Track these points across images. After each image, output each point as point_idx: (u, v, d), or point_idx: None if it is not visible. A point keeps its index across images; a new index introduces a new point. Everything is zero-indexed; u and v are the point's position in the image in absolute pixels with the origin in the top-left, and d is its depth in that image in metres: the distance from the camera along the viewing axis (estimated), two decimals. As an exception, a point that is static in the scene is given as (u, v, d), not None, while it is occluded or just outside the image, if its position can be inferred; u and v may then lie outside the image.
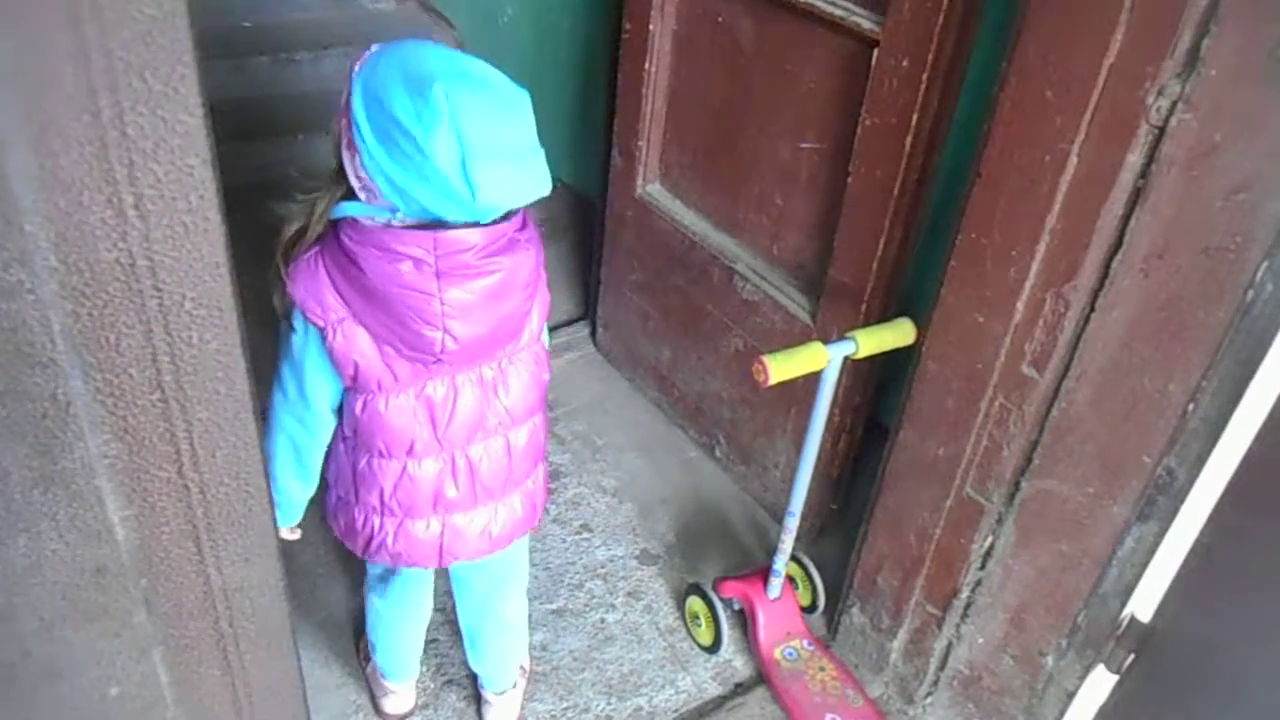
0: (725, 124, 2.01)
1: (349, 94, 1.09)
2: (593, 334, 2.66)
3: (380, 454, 1.27)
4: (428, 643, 1.85)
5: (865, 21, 1.62)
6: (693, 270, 2.18)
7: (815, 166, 1.85)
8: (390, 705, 1.74)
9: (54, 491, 0.64)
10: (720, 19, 1.93)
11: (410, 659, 1.70)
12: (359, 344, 1.17)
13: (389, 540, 1.33)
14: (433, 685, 1.81)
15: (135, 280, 0.62)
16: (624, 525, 2.18)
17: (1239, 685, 1.34)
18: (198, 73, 0.55)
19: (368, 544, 1.35)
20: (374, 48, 1.12)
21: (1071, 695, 1.53)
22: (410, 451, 1.26)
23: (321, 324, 1.16)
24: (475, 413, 1.27)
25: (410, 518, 1.32)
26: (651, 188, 2.27)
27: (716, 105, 2.02)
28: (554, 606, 1.98)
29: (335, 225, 1.15)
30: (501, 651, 1.69)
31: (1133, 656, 1.43)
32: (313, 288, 1.15)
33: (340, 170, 1.14)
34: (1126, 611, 1.42)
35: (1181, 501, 1.30)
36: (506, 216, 1.17)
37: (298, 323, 1.19)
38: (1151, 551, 1.35)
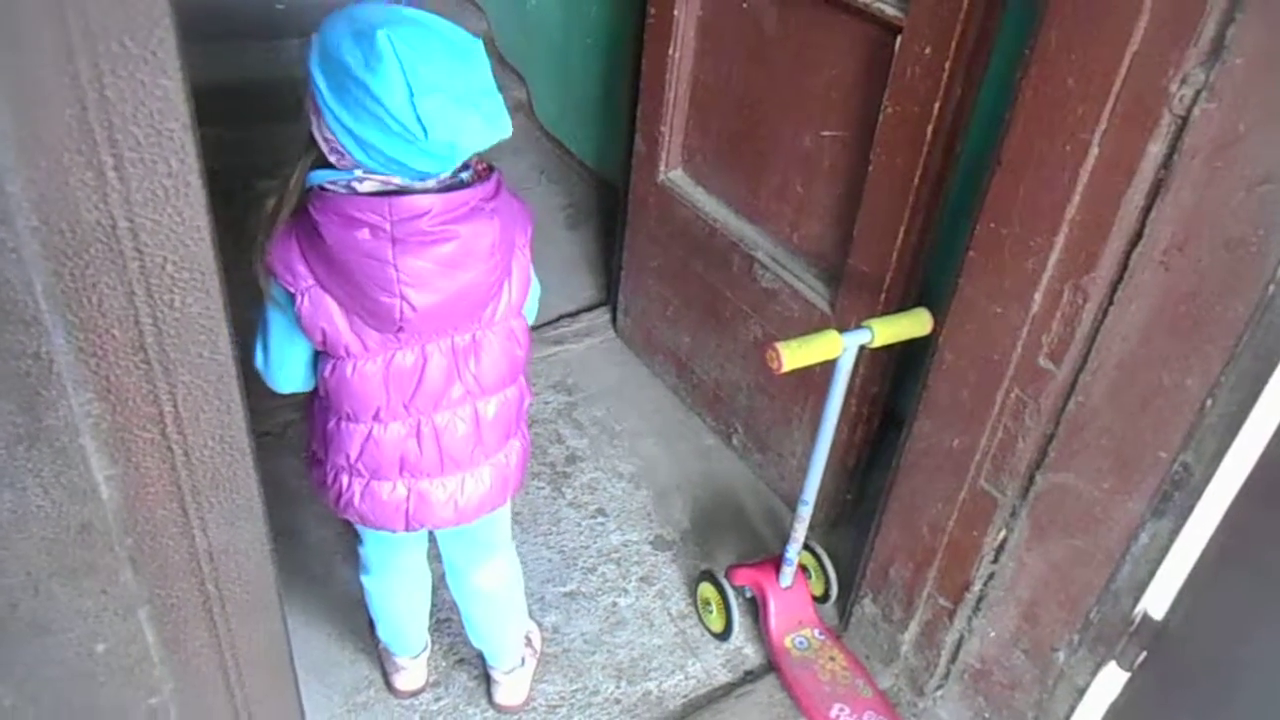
0: (748, 111, 2.01)
1: (308, 59, 1.10)
2: (614, 320, 2.66)
3: (347, 417, 1.29)
4: (440, 621, 1.87)
5: (889, 8, 1.60)
6: (713, 257, 2.18)
7: (837, 155, 1.84)
8: (400, 681, 1.76)
9: (39, 448, 0.65)
10: (745, 5, 1.92)
11: (410, 634, 1.72)
12: (327, 311, 1.19)
13: (355, 499, 1.35)
14: (444, 664, 1.83)
15: (116, 242, 0.63)
16: (639, 511, 2.18)
17: (1252, 685, 1.32)
18: (176, 37, 0.56)
19: (337, 500, 1.37)
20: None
21: (1082, 691, 1.51)
22: (376, 416, 1.28)
23: (292, 290, 1.18)
24: (443, 381, 1.28)
25: (376, 479, 1.34)
26: (674, 174, 2.27)
27: (739, 92, 2.01)
28: (567, 589, 1.99)
29: (307, 195, 1.16)
30: (491, 625, 1.69)
31: (1145, 654, 1.42)
32: (285, 255, 1.17)
33: (312, 139, 1.14)
34: (1139, 608, 1.40)
35: (1197, 498, 1.28)
36: (474, 183, 1.17)
37: (275, 290, 1.21)
38: (1165, 548, 1.34)
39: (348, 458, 1.32)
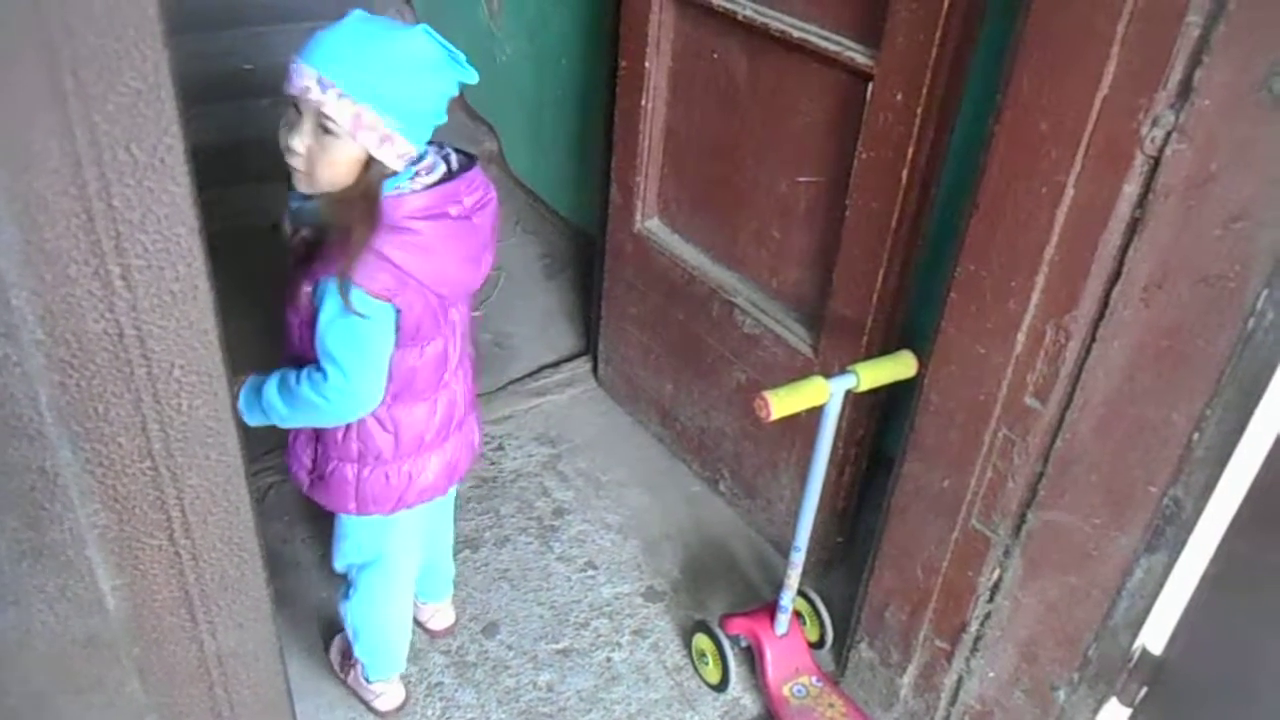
0: (722, 158, 2.02)
1: (365, 110, 1.22)
2: (594, 369, 2.66)
3: (419, 397, 1.44)
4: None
5: (859, 55, 1.63)
6: (693, 304, 2.18)
7: (813, 200, 1.86)
8: (384, 703, 1.80)
9: (43, 563, 0.63)
10: (715, 55, 1.95)
11: (404, 642, 1.77)
12: (417, 306, 1.33)
13: (428, 477, 1.50)
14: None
15: (123, 350, 0.62)
16: (629, 562, 2.16)
17: (1254, 716, 1.32)
18: (184, 144, 0.56)
19: (402, 495, 1.49)
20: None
21: (1085, 729, 1.50)
22: (435, 387, 1.45)
23: (399, 301, 1.30)
24: (459, 352, 1.48)
25: (435, 450, 1.50)
26: (650, 223, 2.28)
27: (713, 140, 2.03)
28: (560, 646, 1.96)
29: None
30: (450, 562, 1.92)
31: (1145, 689, 1.42)
32: (383, 275, 1.27)
33: (364, 171, 1.26)
34: (1138, 644, 1.40)
35: (1189, 531, 1.29)
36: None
37: (369, 310, 1.28)
38: (1161, 582, 1.34)
39: (421, 438, 1.46)
